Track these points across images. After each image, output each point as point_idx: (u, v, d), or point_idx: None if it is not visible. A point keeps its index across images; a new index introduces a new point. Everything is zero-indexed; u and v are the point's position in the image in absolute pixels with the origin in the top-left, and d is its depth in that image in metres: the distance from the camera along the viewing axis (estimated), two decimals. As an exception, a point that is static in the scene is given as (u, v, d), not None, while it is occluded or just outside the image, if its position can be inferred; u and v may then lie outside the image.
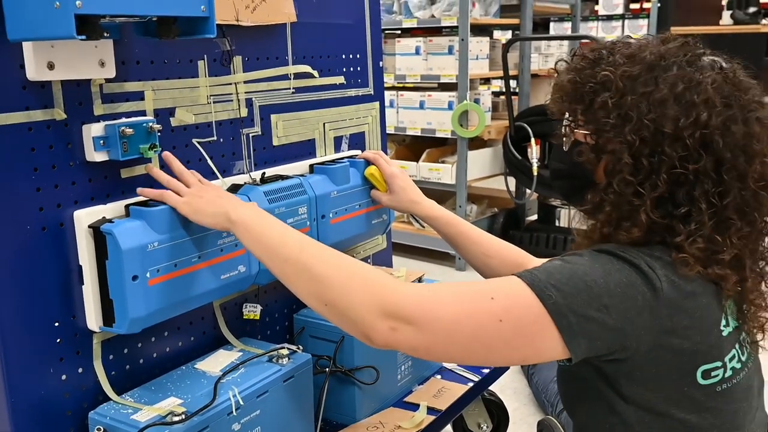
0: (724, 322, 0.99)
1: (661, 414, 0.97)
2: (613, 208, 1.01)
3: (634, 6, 5.95)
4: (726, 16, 5.47)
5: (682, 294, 0.94)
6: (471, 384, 1.67)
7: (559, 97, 1.09)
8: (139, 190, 1.20)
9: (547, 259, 1.07)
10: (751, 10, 5.39)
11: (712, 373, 0.97)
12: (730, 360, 0.99)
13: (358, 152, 1.73)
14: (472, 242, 1.46)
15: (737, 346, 1.01)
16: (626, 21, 5.60)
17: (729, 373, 0.99)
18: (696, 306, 0.95)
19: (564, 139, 1.10)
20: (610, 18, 5.67)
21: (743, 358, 1.02)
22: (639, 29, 5.52)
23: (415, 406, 1.56)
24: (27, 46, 1.03)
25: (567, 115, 1.09)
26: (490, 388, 1.80)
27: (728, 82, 0.99)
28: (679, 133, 0.95)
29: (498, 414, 1.86)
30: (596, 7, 6.02)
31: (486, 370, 1.74)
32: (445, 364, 1.78)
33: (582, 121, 1.06)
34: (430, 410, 1.54)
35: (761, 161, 0.97)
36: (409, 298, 0.94)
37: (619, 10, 5.79)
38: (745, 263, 0.99)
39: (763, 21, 5.33)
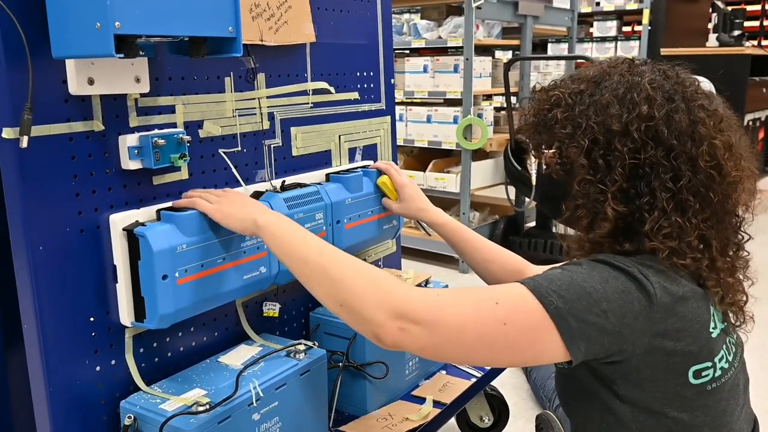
0: (712, 324, 0.98)
1: (656, 413, 0.97)
2: (584, 210, 1.02)
3: (626, 29, 5.93)
4: (712, 39, 5.46)
5: (673, 299, 0.94)
6: (474, 379, 1.67)
7: (527, 130, 1.12)
8: (174, 203, 1.22)
9: (546, 267, 1.07)
10: (736, 33, 5.37)
11: (703, 373, 0.97)
12: (719, 360, 0.99)
13: (371, 162, 1.73)
14: (475, 248, 1.46)
15: (724, 347, 1.01)
16: (619, 42, 5.58)
17: (718, 372, 0.98)
18: (686, 310, 0.95)
19: (542, 165, 1.12)
20: (603, 39, 5.65)
21: (730, 359, 1.02)
22: (631, 50, 5.50)
23: (421, 400, 1.56)
24: (69, 63, 1.04)
25: (537, 143, 1.12)
26: (492, 383, 1.80)
27: (668, 79, 1.02)
28: (626, 128, 0.98)
29: (499, 408, 1.85)
30: (591, 30, 6.00)
31: (488, 367, 1.73)
32: (450, 361, 1.78)
33: (546, 142, 1.09)
34: (436, 403, 1.54)
35: (709, 143, 0.98)
36: (418, 301, 0.93)
37: (613, 33, 5.78)
38: (711, 244, 0.99)
39: (747, 43, 5.32)
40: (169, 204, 1.21)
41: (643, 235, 0.98)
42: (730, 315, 1.05)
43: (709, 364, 0.97)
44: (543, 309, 0.90)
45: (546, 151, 1.10)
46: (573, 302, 0.91)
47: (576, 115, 1.02)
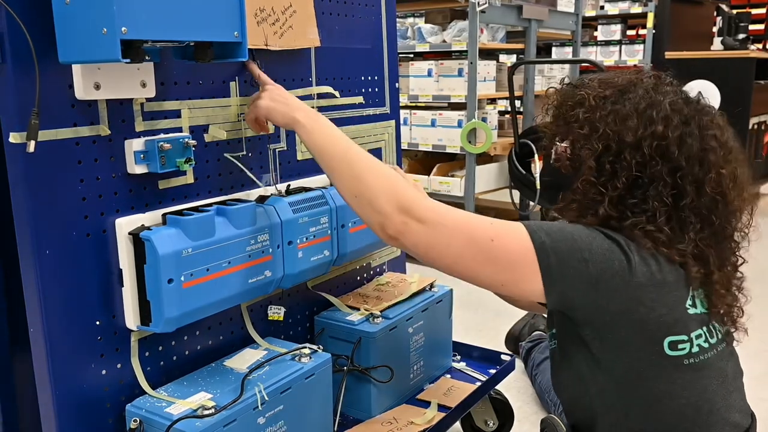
0: (690, 302, 1.03)
1: (633, 382, 1.02)
2: (578, 204, 1.09)
3: (631, 33, 5.93)
4: (717, 42, 5.45)
5: (650, 269, 1.00)
6: (479, 383, 1.67)
7: (549, 117, 1.20)
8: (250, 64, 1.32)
9: None
10: (740, 36, 5.36)
11: (679, 346, 1.02)
12: (697, 338, 1.03)
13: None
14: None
15: (705, 328, 1.05)
16: (623, 46, 5.57)
17: (695, 349, 1.03)
18: (663, 281, 1.00)
19: (551, 153, 1.19)
20: (608, 43, 5.64)
21: (712, 341, 1.06)
22: (635, 54, 5.49)
23: (426, 404, 1.56)
24: (76, 68, 1.05)
25: (554, 134, 1.19)
26: (497, 387, 1.79)
27: (689, 104, 1.08)
28: (638, 142, 1.04)
29: (503, 412, 1.84)
30: (595, 33, 6.00)
31: (492, 371, 1.73)
32: (454, 365, 1.78)
33: (562, 135, 1.15)
34: (441, 407, 1.54)
35: (717, 172, 1.04)
36: (424, 203, 1.05)
37: (617, 36, 5.77)
38: (708, 260, 1.05)
39: (752, 47, 5.31)
40: (174, 208, 1.21)
41: (625, 229, 1.04)
42: (724, 321, 1.09)
43: (685, 337, 1.02)
44: (530, 240, 0.99)
45: (559, 143, 1.16)
46: (558, 242, 0.99)
47: (596, 119, 1.08)
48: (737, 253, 1.11)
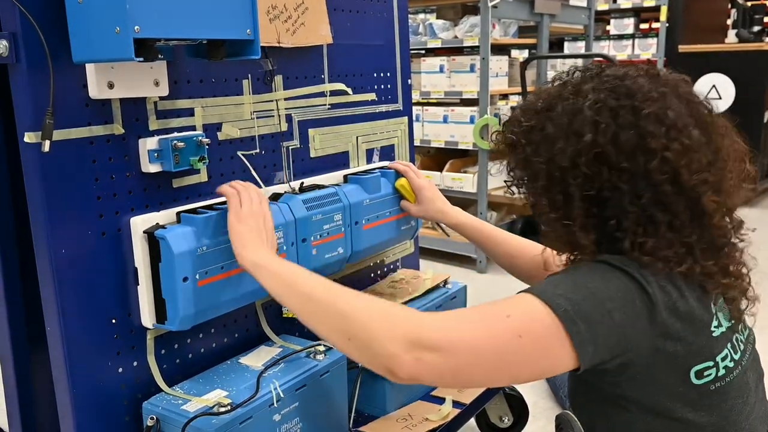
0: (715, 323, 0.97)
1: (660, 413, 0.95)
2: (560, 242, 1.04)
3: (644, 26, 5.87)
4: (731, 35, 5.38)
5: (671, 298, 0.93)
6: (493, 379, 1.66)
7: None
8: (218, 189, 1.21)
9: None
10: (756, 28, 5.29)
11: (705, 373, 0.95)
12: (722, 359, 0.97)
13: (388, 163, 1.73)
14: (497, 244, 1.46)
15: (729, 345, 0.99)
16: (636, 40, 5.52)
17: (722, 372, 0.97)
18: (686, 309, 0.93)
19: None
20: (621, 37, 5.59)
21: (736, 357, 1.00)
22: (648, 48, 5.43)
23: (441, 400, 1.55)
24: (89, 68, 1.05)
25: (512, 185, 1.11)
26: (511, 383, 1.79)
27: (613, 94, 0.97)
28: (573, 162, 0.95)
29: (518, 408, 1.84)
30: (608, 27, 5.95)
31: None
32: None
33: (517, 186, 1.09)
34: (456, 404, 1.53)
35: (661, 156, 0.93)
36: (431, 327, 0.88)
37: (630, 30, 5.71)
38: (693, 250, 0.96)
39: (767, 39, 5.23)
40: (189, 206, 1.21)
41: (624, 252, 0.96)
42: (745, 322, 1.03)
43: (711, 363, 0.95)
44: (552, 313, 0.88)
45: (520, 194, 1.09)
46: (579, 303, 0.89)
47: (528, 157, 1.01)
48: (729, 236, 1.01)
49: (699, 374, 0.95)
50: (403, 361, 0.87)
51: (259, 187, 1.36)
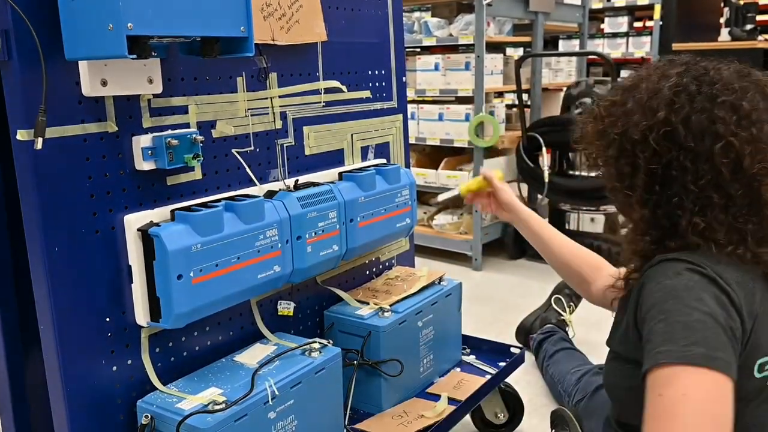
0: None
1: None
2: (622, 212, 1.09)
3: (638, 24, 5.87)
4: (724, 33, 5.38)
5: (746, 293, 0.94)
6: (488, 376, 1.65)
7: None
8: None
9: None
10: (748, 27, 5.30)
11: (766, 367, 0.96)
12: None
13: (383, 161, 1.72)
14: (554, 246, 1.53)
15: None
16: (630, 38, 5.52)
17: None
18: (760, 300, 0.95)
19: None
20: (615, 35, 5.60)
21: None
22: (642, 46, 5.44)
23: (436, 397, 1.55)
24: (82, 65, 1.04)
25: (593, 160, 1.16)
26: (507, 380, 1.78)
27: (696, 81, 1.01)
28: (644, 136, 1.00)
29: (513, 404, 1.83)
30: (602, 26, 5.95)
31: (502, 364, 1.72)
32: (464, 358, 1.77)
33: (594, 156, 1.14)
34: (451, 400, 1.53)
35: (726, 141, 0.97)
36: None
37: (624, 28, 5.72)
38: (746, 238, 0.98)
39: (760, 37, 5.24)
40: (183, 204, 1.20)
41: (681, 236, 0.99)
42: None
43: None
44: (695, 367, 0.86)
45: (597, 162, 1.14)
46: (704, 341, 0.88)
47: (605, 128, 1.07)
48: None
49: (761, 368, 0.96)
50: None
51: (254, 185, 1.36)
